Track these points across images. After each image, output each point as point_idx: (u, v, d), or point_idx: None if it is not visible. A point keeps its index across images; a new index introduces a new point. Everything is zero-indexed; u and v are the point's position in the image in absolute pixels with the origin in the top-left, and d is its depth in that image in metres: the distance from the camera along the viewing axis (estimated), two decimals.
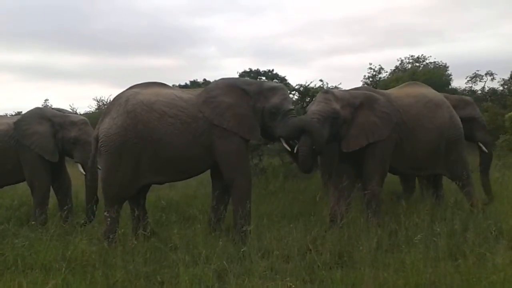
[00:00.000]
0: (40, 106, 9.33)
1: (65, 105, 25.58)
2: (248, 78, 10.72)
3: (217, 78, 6.19)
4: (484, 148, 7.16)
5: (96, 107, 20.87)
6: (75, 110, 16.88)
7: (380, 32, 40.56)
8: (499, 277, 3.56)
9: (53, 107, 8.20)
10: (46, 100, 20.86)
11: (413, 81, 8.27)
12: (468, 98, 7.86)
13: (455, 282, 3.62)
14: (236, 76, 12.77)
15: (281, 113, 5.63)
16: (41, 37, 44.06)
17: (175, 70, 42.00)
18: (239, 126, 5.54)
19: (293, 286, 3.78)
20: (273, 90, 5.77)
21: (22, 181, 6.98)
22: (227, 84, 5.79)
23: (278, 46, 42.02)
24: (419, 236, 4.49)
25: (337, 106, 5.79)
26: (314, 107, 5.80)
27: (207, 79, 15.45)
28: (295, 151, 5.68)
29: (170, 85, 6.17)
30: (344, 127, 5.82)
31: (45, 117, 6.78)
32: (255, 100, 5.70)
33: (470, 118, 7.13)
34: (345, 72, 37.89)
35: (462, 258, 4.21)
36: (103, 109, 13.71)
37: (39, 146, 6.57)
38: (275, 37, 43.09)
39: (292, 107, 5.83)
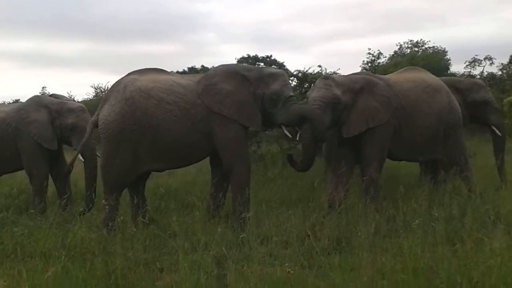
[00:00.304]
0: (38, 93, 9.27)
1: (63, 92, 25.30)
2: (246, 64, 10.65)
3: (215, 65, 6.16)
4: (497, 131, 7.14)
5: (94, 94, 20.74)
6: (72, 97, 16.75)
7: (379, 16, 40.25)
8: (496, 261, 3.57)
9: (50, 93, 8.11)
10: (43, 87, 20.69)
11: (412, 66, 8.23)
12: (480, 81, 7.85)
13: (453, 266, 3.62)
14: (235, 62, 12.69)
15: (282, 100, 5.58)
16: (39, 24, 43.73)
17: (174, 56, 41.75)
18: (239, 113, 5.51)
19: (292, 271, 3.78)
20: (273, 76, 5.71)
21: (20, 169, 6.97)
22: (226, 71, 5.74)
23: (277, 32, 41.78)
24: (417, 221, 4.48)
25: (338, 91, 5.75)
26: (315, 94, 5.76)
27: (205, 65, 15.35)
28: (297, 139, 5.67)
29: (169, 71, 6.12)
30: (345, 113, 5.80)
31: (42, 104, 6.74)
32: (255, 86, 5.65)
33: (484, 101, 7.14)
34: (344, 57, 37.67)
35: (459, 243, 4.23)
36: (102, 96, 13.67)
37: (38, 134, 6.54)
38: (274, 23, 42.83)
39: (292, 93, 5.78)
